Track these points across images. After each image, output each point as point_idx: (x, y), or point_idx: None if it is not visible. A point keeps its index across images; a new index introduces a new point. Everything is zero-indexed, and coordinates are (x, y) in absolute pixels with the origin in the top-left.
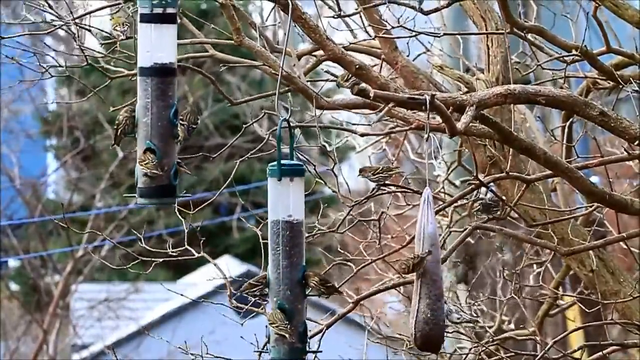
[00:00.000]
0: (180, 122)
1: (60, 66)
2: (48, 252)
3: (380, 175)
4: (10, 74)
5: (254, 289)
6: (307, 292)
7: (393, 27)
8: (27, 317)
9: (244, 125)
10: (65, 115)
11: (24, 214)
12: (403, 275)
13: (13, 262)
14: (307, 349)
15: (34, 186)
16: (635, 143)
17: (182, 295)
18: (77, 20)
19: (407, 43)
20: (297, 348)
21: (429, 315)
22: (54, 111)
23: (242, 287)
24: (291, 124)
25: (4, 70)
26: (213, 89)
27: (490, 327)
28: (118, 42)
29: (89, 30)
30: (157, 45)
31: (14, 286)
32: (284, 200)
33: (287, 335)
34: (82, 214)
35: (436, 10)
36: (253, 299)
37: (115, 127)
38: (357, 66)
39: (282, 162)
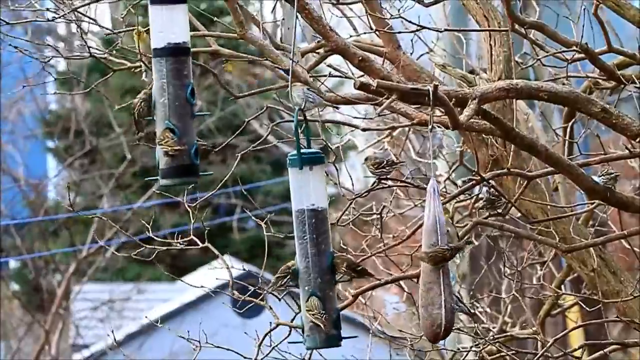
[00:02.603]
0: None
1: (62, 56)
2: (51, 252)
3: (382, 169)
4: (13, 74)
5: (283, 282)
6: (337, 278)
7: (392, 17)
8: (28, 318)
9: (246, 116)
10: (68, 116)
11: (27, 215)
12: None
13: (14, 263)
14: (342, 335)
15: (37, 187)
16: (637, 140)
17: (201, 288)
18: (76, 12)
19: (412, 40)
20: (332, 335)
21: (452, 304)
22: (55, 112)
23: (270, 285)
24: (305, 114)
25: (6, 72)
26: (219, 92)
27: (493, 328)
28: (122, 33)
29: (93, 20)
30: (169, 25)
31: (15, 286)
32: (306, 189)
33: (322, 325)
34: (84, 215)
35: (437, 2)
36: (254, 300)
37: (132, 111)
38: (360, 58)
39: (302, 151)
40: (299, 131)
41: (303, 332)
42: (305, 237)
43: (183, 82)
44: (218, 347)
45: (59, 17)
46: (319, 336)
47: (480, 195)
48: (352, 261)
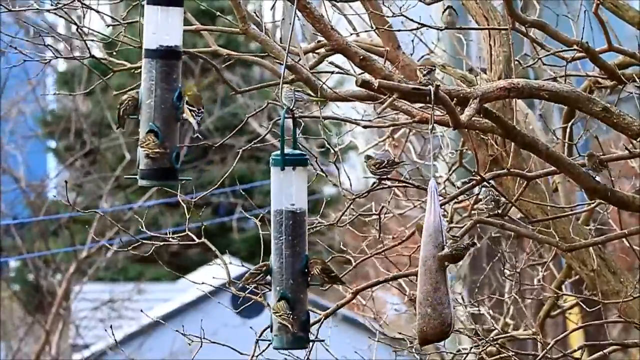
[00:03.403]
0: (189, 107)
1: (63, 57)
2: (51, 251)
3: (383, 169)
4: (14, 74)
5: (256, 279)
6: (310, 282)
7: (394, 15)
8: (29, 318)
9: (245, 116)
10: (68, 117)
11: (28, 215)
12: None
13: (14, 263)
14: (309, 338)
15: (38, 187)
16: (638, 140)
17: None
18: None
19: (412, 40)
20: (299, 337)
21: (453, 304)
22: (56, 113)
23: (244, 277)
24: (294, 114)
25: (8, 71)
26: (219, 91)
27: (494, 328)
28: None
29: (97, 12)
30: (163, 27)
31: (15, 286)
32: (287, 190)
33: (289, 325)
34: (83, 213)
35: (437, 0)
36: (254, 299)
37: (118, 108)
38: (361, 57)
39: (285, 151)
40: (296, 131)
41: (271, 330)
42: (281, 238)
43: (171, 86)
44: (216, 342)
45: (59, 8)
46: (285, 337)
47: (481, 195)
48: (327, 266)
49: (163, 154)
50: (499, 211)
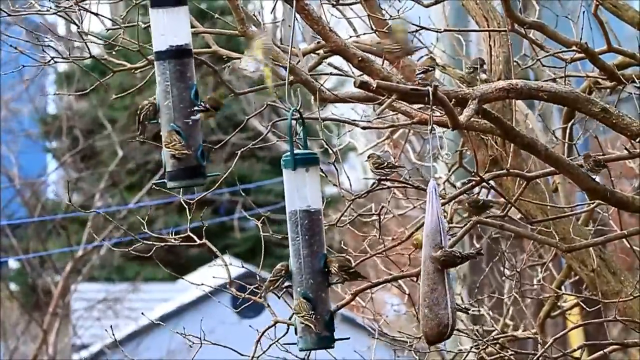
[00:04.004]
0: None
1: (63, 58)
2: (48, 252)
3: (382, 169)
4: (11, 74)
5: (276, 284)
6: (329, 280)
7: (392, 18)
8: (26, 317)
9: (246, 118)
10: (65, 116)
11: (24, 214)
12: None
13: (13, 262)
14: (335, 337)
15: (34, 186)
16: (637, 140)
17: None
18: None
19: (411, 41)
20: (324, 337)
21: (454, 304)
22: (54, 112)
23: (264, 286)
24: (301, 114)
25: (4, 70)
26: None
27: (494, 328)
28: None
29: (95, 14)
30: (171, 28)
31: (13, 286)
32: (301, 190)
33: (312, 325)
34: (81, 213)
35: (436, 2)
36: (253, 298)
37: (137, 114)
38: (359, 58)
39: (295, 151)
40: (296, 130)
41: (296, 333)
42: (298, 238)
43: (187, 84)
44: (216, 344)
45: (60, 11)
46: (310, 337)
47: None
48: (345, 263)
49: (189, 153)
50: (489, 211)
